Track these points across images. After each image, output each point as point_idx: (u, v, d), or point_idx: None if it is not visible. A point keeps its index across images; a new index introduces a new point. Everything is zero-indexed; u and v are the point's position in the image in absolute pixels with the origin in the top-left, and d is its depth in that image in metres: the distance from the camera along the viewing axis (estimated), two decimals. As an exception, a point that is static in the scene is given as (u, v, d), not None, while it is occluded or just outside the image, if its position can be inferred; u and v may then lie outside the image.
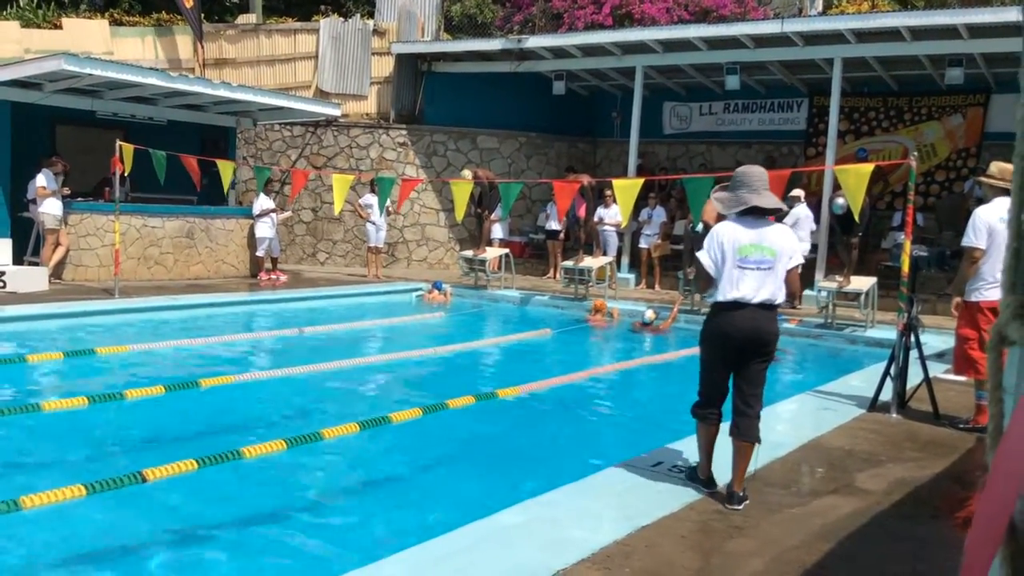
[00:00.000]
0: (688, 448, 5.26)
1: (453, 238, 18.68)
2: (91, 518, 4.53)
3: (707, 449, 4.68)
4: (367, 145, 18.40)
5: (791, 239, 4.67)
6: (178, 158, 12.50)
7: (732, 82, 15.92)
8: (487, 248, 15.47)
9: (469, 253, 15.49)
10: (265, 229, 15.09)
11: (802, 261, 4.80)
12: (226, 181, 13.03)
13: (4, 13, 20.99)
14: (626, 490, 4.65)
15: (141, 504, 4.72)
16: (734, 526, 4.26)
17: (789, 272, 4.61)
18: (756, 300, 4.48)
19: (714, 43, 15.48)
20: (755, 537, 4.14)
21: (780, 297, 4.57)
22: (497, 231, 17.46)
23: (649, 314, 11.83)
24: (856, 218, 8.45)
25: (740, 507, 4.43)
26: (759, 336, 4.50)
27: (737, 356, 4.53)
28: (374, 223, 15.97)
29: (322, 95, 18.95)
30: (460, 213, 12.36)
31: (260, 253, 15.18)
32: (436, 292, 14.34)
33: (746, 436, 4.55)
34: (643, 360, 9.73)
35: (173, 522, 4.62)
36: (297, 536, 4.49)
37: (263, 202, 15.11)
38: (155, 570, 4.03)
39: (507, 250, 15.59)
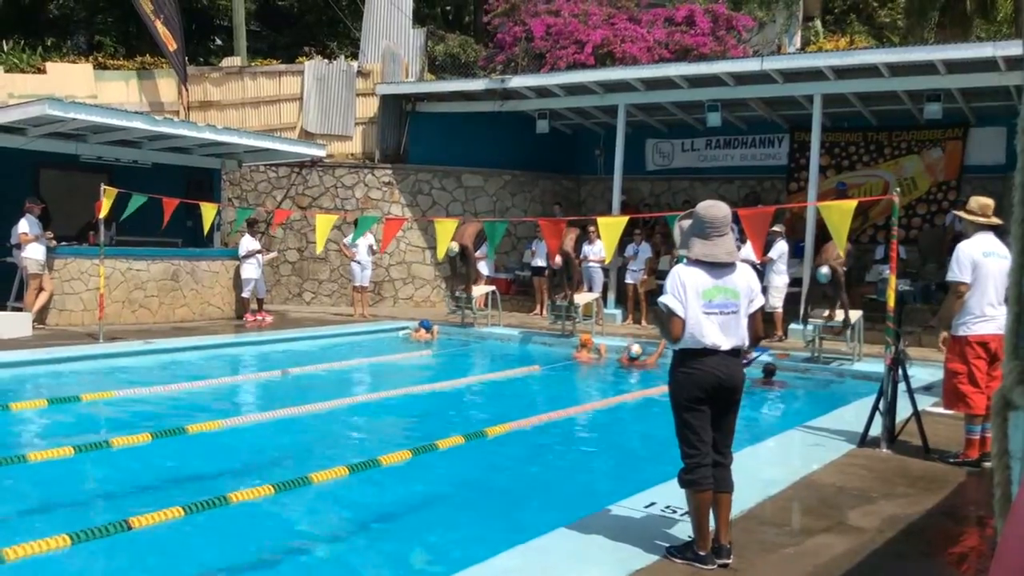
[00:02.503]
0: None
1: (439, 276, 18.69)
2: (77, 568, 4.45)
3: (705, 519, 4.28)
4: (352, 185, 18.45)
5: (753, 279, 4.46)
6: (161, 201, 12.48)
7: (713, 119, 16.10)
8: (473, 286, 15.46)
9: (457, 291, 15.51)
10: (251, 270, 15.06)
11: (763, 302, 4.56)
12: (207, 223, 13.00)
13: (-12, 58, 21.04)
14: (619, 532, 4.61)
15: (127, 553, 4.64)
16: (729, 568, 4.23)
17: (752, 315, 4.40)
18: (725, 347, 4.27)
19: (695, 81, 15.66)
20: (750, 578, 4.12)
21: (746, 342, 4.40)
22: (483, 268, 17.47)
23: (635, 348, 11.83)
24: (841, 253, 8.51)
25: (731, 560, 4.25)
26: (734, 384, 4.30)
27: (710, 405, 4.29)
28: (359, 262, 15.97)
29: (307, 136, 19.03)
30: (441, 252, 12.37)
31: (246, 294, 15.13)
32: (423, 330, 14.31)
33: (727, 487, 4.35)
34: (632, 395, 9.72)
35: (159, 571, 4.55)
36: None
37: (248, 243, 15.09)
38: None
39: (493, 287, 15.60)
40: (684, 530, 4.62)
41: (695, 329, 4.25)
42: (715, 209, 4.35)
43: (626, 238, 14.36)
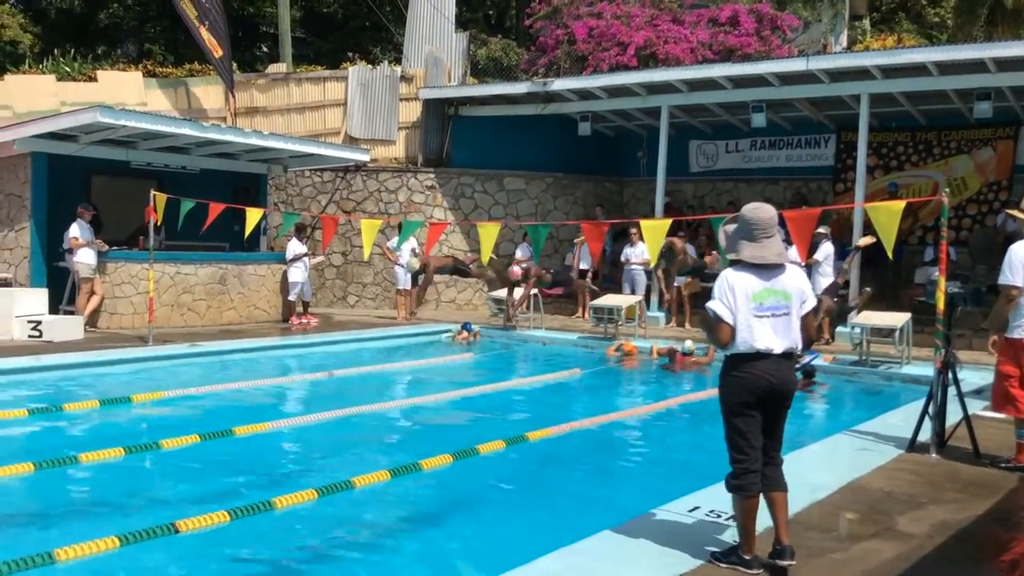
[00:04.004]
0: (726, 492, 5.18)
1: (481, 279, 18.71)
2: (126, 570, 4.53)
3: (751, 524, 4.24)
4: (396, 189, 18.59)
5: (804, 281, 4.38)
6: (208, 207, 12.69)
7: (758, 120, 15.96)
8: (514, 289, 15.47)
9: (498, 293, 15.54)
10: (297, 274, 15.23)
11: (815, 303, 4.46)
12: (249, 228, 13.18)
13: (40, 67, 21.58)
14: (663, 536, 4.58)
15: (175, 555, 4.71)
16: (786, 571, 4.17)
17: (804, 317, 4.32)
18: (778, 350, 4.20)
19: (739, 82, 15.54)
20: (796, 584, 4.07)
21: (799, 345, 4.31)
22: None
23: (688, 343, 11.88)
24: (889, 255, 8.37)
25: (794, 561, 4.17)
26: (786, 388, 4.24)
27: (761, 410, 4.23)
28: (403, 266, 16.07)
29: (351, 141, 19.21)
30: (486, 255, 12.41)
31: (292, 297, 15.30)
32: (465, 333, 14.35)
33: (781, 485, 4.30)
34: (675, 400, 9.63)
35: (205, 573, 4.61)
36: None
37: (296, 247, 15.27)
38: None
39: (535, 290, 15.60)
40: (729, 534, 4.58)
41: (746, 333, 4.18)
42: (761, 211, 4.28)
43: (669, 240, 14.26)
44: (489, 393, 9.82)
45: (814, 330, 4.45)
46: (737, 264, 4.32)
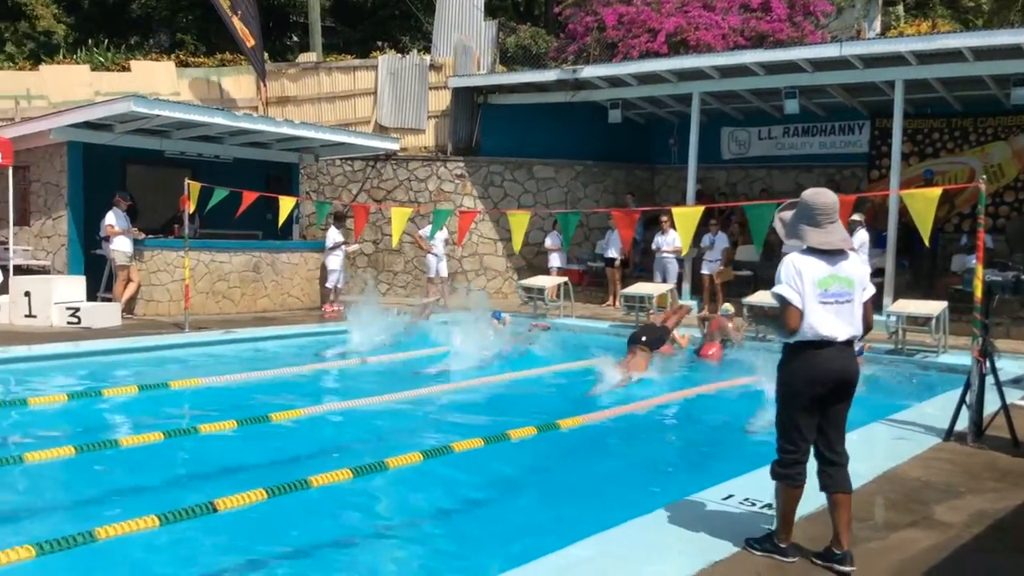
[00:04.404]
0: (760, 479, 5.17)
1: (511, 267, 18.75)
2: (165, 547, 4.61)
3: (791, 515, 4.21)
4: (425, 178, 18.63)
5: (864, 268, 4.31)
6: (241, 195, 12.81)
7: (791, 106, 15.81)
8: (543, 276, 15.46)
9: (527, 282, 15.54)
10: (336, 262, 15.36)
11: (874, 291, 4.39)
12: (283, 216, 13.29)
13: (75, 57, 21.84)
14: (697, 523, 4.58)
15: (213, 533, 4.79)
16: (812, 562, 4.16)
17: (864, 305, 4.24)
18: (842, 337, 4.12)
19: (771, 68, 15.39)
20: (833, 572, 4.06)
21: (861, 332, 4.23)
22: (555, 260, 17.49)
23: (728, 306, 12.01)
24: (925, 243, 8.27)
25: (855, 567, 4.04)
26: (850, 376, 4.15)
27: (822, 401, 4.13)
28: (436, 255, 16.13)
29: (381, 130, 19.28)
30: (518, 244, 12.39)
31: (331, 284, 15.41)
32: (495, 321, 14.35)
33: (845, 487, 4.18)
34: (707, 388, 9.58)
35: (242, 552, 4.69)
36: (359, 569, 4.52)
37: (335, 235, 15.38)
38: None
39: (565, 278, 15.59)
40: (764, 522, 4.57)
41: (812, 319, 4.08)
42: (824, 196, 4.20)
43: (701, 228, 14.18)
44: (519, 380, 9.83)
45: (872, 318, 4.33)
46: (801, 250, 4.22)
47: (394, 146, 17.46)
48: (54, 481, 5.88)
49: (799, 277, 4.11)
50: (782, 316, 4.15)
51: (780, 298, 4.16)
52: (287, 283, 15.59)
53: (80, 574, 4.28)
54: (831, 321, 4.10)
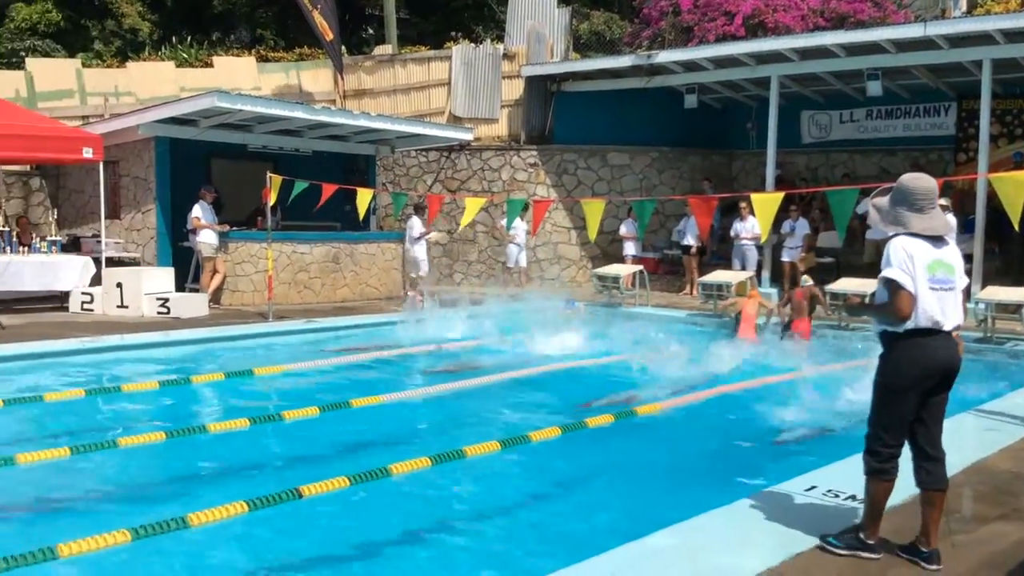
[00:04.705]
0: (844, 471, 5.09)
1: (585, 256, 18.71)
2: (255, 534, 4.76)
3: (882, 508, 4.05)
4: (499, 167, 18.70)
5: (960, 255, 4.16)
6: (321, 187, 13.06)
7: (874, 88, 15.39)
8: (618, 265, 15.39)
9: (602, 270, 15.47)
10: (423, 251, 15.59)
11: (967, 280, 4.24)
12: (363, 208, 13.51)
13: (159, 54, 22.51)
14: (779, 514, 4.53)
15: (299, 519, 4.93)
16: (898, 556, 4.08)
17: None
18: (949, 325, 3.94)
19: (853, 49, 15.00)
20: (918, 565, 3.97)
21: (963, 321, 4.07)
22: (630, 248, 17.38)
23: (806, 277, 11.88)
24: (1015, 228, 7.97)
25: (942, 566, 3.92)
26: (956, 366, 4.00)
27: (927, 392, 3.98)
28: (518, 245, 16.19)
29: (455, 120, 19.41)
30: (593, 233, 12.35)
31: (423, 273, 15.67)
32: (569, 310, 14.33)
33: (942, 484, 4.03)
34: (790, 376, 9.38)
35: (326, 537, 4.81)
36: (438, 557, 4.59)
37: (419, 225, 15.62)
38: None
39: (641, 267, 15.49)
40: (847, 513, 4.49)
41: (925, 305, 3.89)
42: (924, 180, 4.04)
43: (781, 214, 13.93)
44: (594, 368, 9.83)
45: (964, 307, 4.14)
46: (905, 234, 4.03)
47: (468, 136, 17.57)
48: (146, 466, 6.11)
49: (911, 260, 3.91)
50: (893, 302, 3.92)
51: (892, 283, 3.92)
52: (365, 273, 15.85)
53: (173, 558, 4.42)
54: (938, 308, 3.92)
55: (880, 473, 4.02)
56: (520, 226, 15.92)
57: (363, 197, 13.37)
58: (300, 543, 4.75)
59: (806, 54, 15.50)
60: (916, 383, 3.94)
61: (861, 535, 4.05)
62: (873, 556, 4.01)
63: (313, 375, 9.18)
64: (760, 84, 17.14)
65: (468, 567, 4.53)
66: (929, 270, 3.91)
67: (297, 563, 4.51)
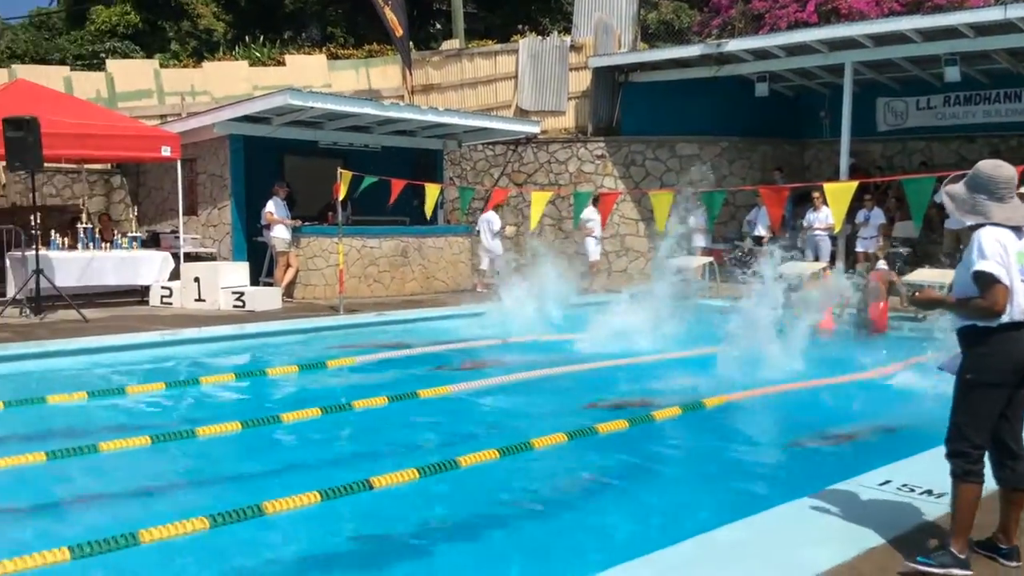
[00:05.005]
0: (919, 466, 4.97)
1: (653, 248, 18.54)
2: (327, 525, 4.85)
3: (972, 517, 3.80)
4: (565, 159, 18.67)
5: None
6: (390, 183, 13.23)
7: (952, 74, 14.93)
8: (687, 257, 15.22)
9: (672, 262, 15.32)
10: (499, 245, 15.69)
11: None
12: (431, 203, 13.64)
13: (233, 53, 23.05)
14: (852, 509, 4.45)
15: (369, 509, 5.01)
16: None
17: None
18: None
19: (930, 34, 14.58)
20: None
21: None
22: (699, 239, 17.18)
23: (882, 262, 11.69)
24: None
25: (1022, 562, 3.79)
26: None
27: (1014, 387, 3.81)
28: (596, 237, 16.17)
29: (522, 113, 19.44)
30: (661, 224, 12.25)
31: (499, 267, 15.74)
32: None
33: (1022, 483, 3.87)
34: (867, 375, 9.16)
35: (400, 525, 4.88)
36: (509, 544, 4.63)
37: (496, 219, 15.70)
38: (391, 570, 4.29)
39: (711, 258, 15.31)
40: (923, 509, 4.40)
41: (1019, 298, 3.72)
42: (1006, 169, 3.85)
43: (855, 204, 13.62)
44: (661, 361, 9.74)
45: None
46: (991, 224, 3.84)
47: (535, 129, 17.58)
48: (221, 456, 6.28)
49: (1005, 251, 3.73)
50: (988, 296, 3.71)
51: (986, 276, 3.70)
52: (433, 267, 16.01)
53: (248, 547, 4.53)
54: None
55: (971, 476, 3.81)
56: (596, 218, 15.85)
57: (431, 192, 13.51)
58: (374, 529, 4.83)
59: (881, 40, 15.11)
60: (1008, 378, 3.77)
61: (953, 550, 3.80)
62: (967, 573, 3.75)
63: (382, 365, 9.32)
64: (833, 71, 16.77)
65: (537, 555, 4.55)
66: (1019, 260, 3.74)
67: (370, 553, 4.59)
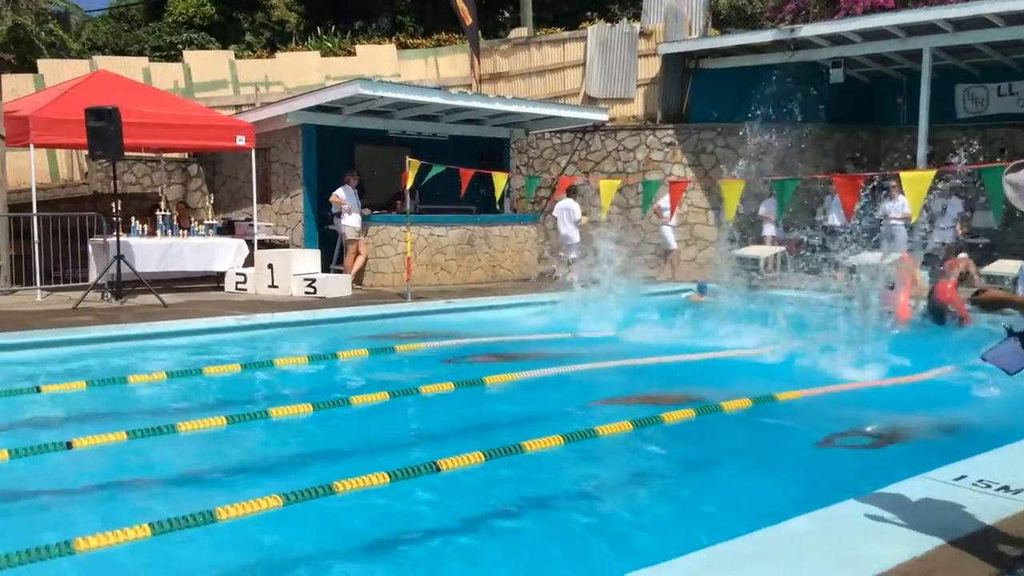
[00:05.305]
0: (995, 461, 4.85)
1: (723, 237, 18.31)
2: (394, 504, 4.94)
3: None
4: (634, 147, 18.54)
5: None
6: (457, 171, 13.31)
7: (1036, 58, 14.41)
8: (758, 246, 15.02)
9: (741, 252, 15.14)
10: (577, 233, 15.67)
11: None
12: (499, 191, 13.69)
13: (305, 44, 23.43)
14: (925, 504, 4.36)
15: (435, 491, 5.10)
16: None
17: None
18: None
19: (1012, 19, 14.11)
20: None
21: None
22: (770, 229, 16.92)
23: (964, 256, 11.45)
24: None
25: None
26: None
27: None
28: (672, 225, 16.04)
29: (590, 101, 19.36)
30: (731, 213, 12.07)
31: (574, 255, 15.74)
32: (697, 295, 14.04)
33: None
34: (946, 370, 8.90)
35: (465, 506, 4.97)
36: (568, 533, 4.65)
37: (576, 207, 15.62)
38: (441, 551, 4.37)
39: (782, 248, 15.06)
40: (997, 505, 4.28)
41: None
42: None
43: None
44: (729, 354, 9.65)
45: None
46: None
47: (603, 117, 17.50)
48: (294, 437, 6.44)
49: None
50: None
51: None
52: (499, 255, 16.08)
53: (319, 525, 4.65)
54: None
55: None
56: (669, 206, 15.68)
57: (499, 181, 13.56)
58: (437, 510, 4.91)
59: (961, 25, 14.67)
60: None
61: None
62: None
63: (449, 352, 9.42)
64: (911, 57, 16.33)
65: (597, 544, 4.57)
66: None
67: (437, 531, 4.67)
